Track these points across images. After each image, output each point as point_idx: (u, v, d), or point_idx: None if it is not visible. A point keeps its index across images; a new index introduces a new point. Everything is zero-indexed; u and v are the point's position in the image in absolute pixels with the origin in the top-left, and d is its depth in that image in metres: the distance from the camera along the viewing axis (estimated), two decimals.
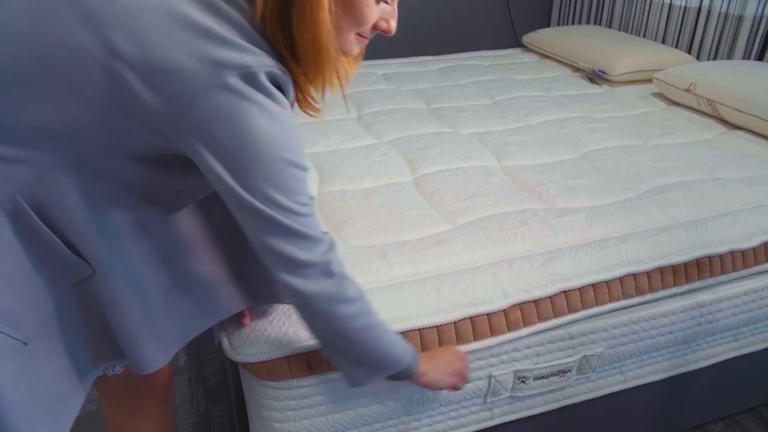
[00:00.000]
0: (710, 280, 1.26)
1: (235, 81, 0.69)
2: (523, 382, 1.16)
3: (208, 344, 1.88)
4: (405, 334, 1.03)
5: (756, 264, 1.30)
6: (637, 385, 1.32)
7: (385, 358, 0.87)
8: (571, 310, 1.14)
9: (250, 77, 0.70)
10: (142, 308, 0.81)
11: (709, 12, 2.40)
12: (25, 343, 0.74)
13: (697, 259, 1.24)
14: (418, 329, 1.04)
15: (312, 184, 1.51)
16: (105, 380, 0.96)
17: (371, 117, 1.98)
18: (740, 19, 2.27)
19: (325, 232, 0.80)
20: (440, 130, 1.87)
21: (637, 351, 1.25)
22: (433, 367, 0.97)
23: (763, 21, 2.18)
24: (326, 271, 0.79)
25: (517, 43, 3.50)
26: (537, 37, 2.88)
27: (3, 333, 0.71)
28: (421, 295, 1.07)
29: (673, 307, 1.24)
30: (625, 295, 1.18)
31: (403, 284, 1.09)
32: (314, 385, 1.01)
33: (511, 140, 1.77)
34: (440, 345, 1.05)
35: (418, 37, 3.27)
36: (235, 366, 1.31)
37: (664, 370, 1.33)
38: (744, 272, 1.29)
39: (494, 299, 1.09)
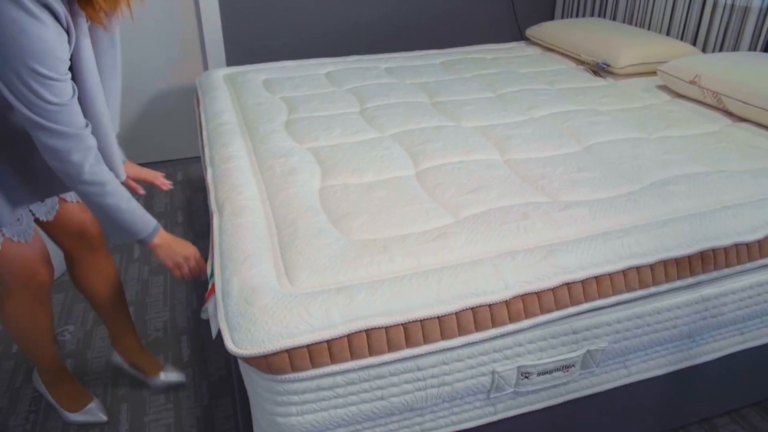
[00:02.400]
0: (714, 273, 1.25)
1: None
2: (526, 377, 1.15)
3: (211, 339, 1.88)
4: (406, 325, 1.03)
5: (761, 257, 1.29)
6: (641, 380, 1.32)
7: (125, 229, 1.19)
8: (573, 303, 1.13)
9: None
10: None
11: (714, 3, 2.38)
12: None
13: (701, 252, 1.23)
14: (420, 320, 1.04)
15: (314, 177, 1.51)
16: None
17: (374, 111, 1.97)
18: (746, 10, 2.25)
19: (84, 126, 1.07)
20: (443, 123, 1.86)
21: (641, 345, 1.24)
22: (166, 247, 1.27)
23: None
24: (68, 157, 1.06)
25: (520, 36, 3.48)
26: (540, 30, 2.86)
27: None
28: (423, 286, 1.06)
29: (677, 301, 1.23)
30: (629, 288, 1.17)
31: (405, 277, 1.09)
32: (316, 379, 1.01)
33: (515, 133, 1.76)
34: (442, 336, 1.05)
35: (421, 30, 3.25)
36: (237, 360, 1.31)
37: (668, 364, 1.32)
38: (749, 265, 1.28)
39: (496, 290, 1.08)
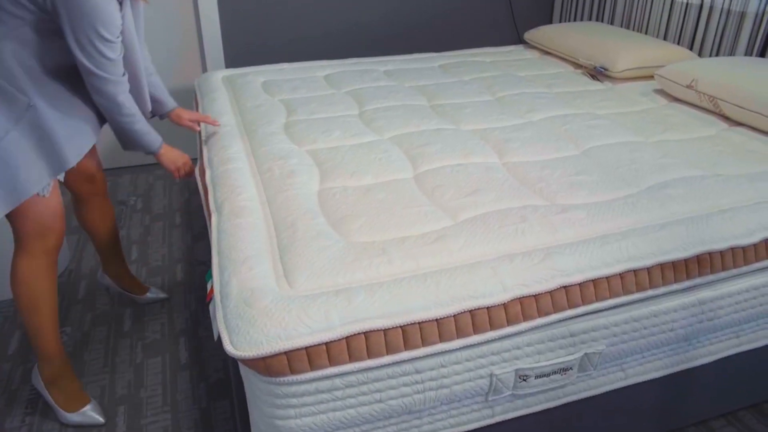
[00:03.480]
0: (711, 277, 1.25)
1: None
2: (524, 380, 1.16)
3: (210, 341, 1.88)
4: (404, 327, 1.03)
5: (757, 260, 1.30)
6: (639, 383, 1.32)
7: (143, 146, 1.54)
8: (570, 306, 1.13)
9: None
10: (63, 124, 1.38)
11: (711, 8, 2.40)
12: None
13: (697, 255, 1.24)
14: (418, 323, 1.04)
15: (313, 179, 1.51)
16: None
17: (373, 113, 1.98)
18: (742, 15, 2.26)
19: (123, 74, 1.38)
20: (442, 126, 1.87)
21: (638, 348, 1.25)
22: (169, 155, 1.62)
23: (766, 17, 2.17)
24: (114, 98, 1.39)
25: (518, 40, 3.49)
26: (539, 34, 2.87)
27: None
28: (421, 289, 1.07)
29: (674, 304, 1.23)
30: (626, 291, 1.18)
31: (403, 279, 1.09)
32: (315, 381, 1.01)
33: (513, 137, 1.77)
34: (440, 339, 1.05)
35: (420, 33, 3.26)
36: (236, 362, 1.31)
37: (665, 367, 1.33)
38: (745, 269, 1.29)
39: (494, 293, 1.09)
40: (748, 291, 1.31)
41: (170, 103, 1.74)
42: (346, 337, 1.01)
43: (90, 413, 1.58)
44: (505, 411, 1.21)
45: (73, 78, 1.40)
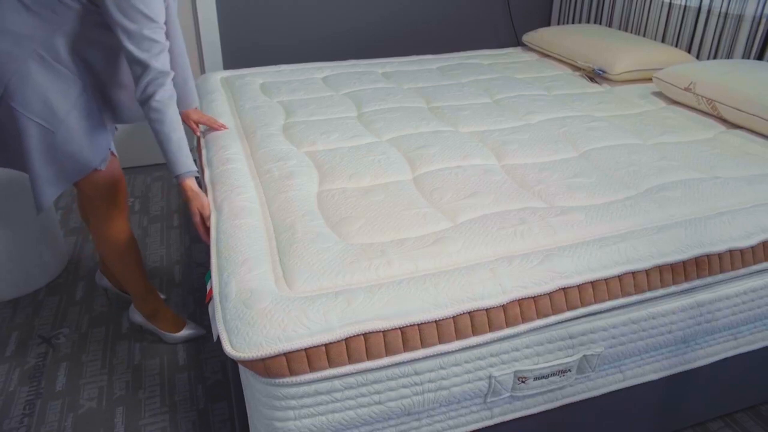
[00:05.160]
0: (709, 279, 1.26)
1: None
2: (523, 382, 1.16)
3: (208, 342, 1.88)
4: (404, 329, 1.03)
5: (755, 263, 1.30)
6: (637, 384, 1.33)
7: (169, 159, 1.42)
8: (569, 308, 1.14)
9: None
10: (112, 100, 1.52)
11: (709, 11, 2.40)
12: (53, 132, 1.39)
13: (696, 258, 1.24)
14: (417, 324, 1.04)
15: (312, 181, 1.51)
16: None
17: (371, 115, 1.98)
18: (740, 18, 2.27)
19: (167, 71, 1.37)
20: (440, 128, 1.87)
21: (636, 350, 1.25)
22: (195, 195, 1.45)
23: (763, 20, 2.18)
24: (148, 88, 1.36)
25: (517, 42, 3.50)
26: (537, 36, 2.88)
27: (42, 125, 1.37)
28: (420, 291, 1.07)
29: (672, 306, 1.24)
30: (624, 293, 1.18)
31: (402, 281, 1.09)
32: (314, 383, 1.01)
33: (511, 139, 1.77)
34: (440, 340, 1.05)
35: (418, 35, 3.27)
36: (235, 364, 1.31)
37: (663, 368, 1.33)
38: (743, 271, 1.29)
39: (493, 295, 1.09)
40: (746, 293, 1.31)
41: (186, 102, 1.77)
42: (346, 339, 1.01)
43: (191, 329, 1.87)
44: (504, 412, 1.21)
45: (116, 68, 1.49)
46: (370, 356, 1.02)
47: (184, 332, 1.86)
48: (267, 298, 1.04)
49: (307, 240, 1.22)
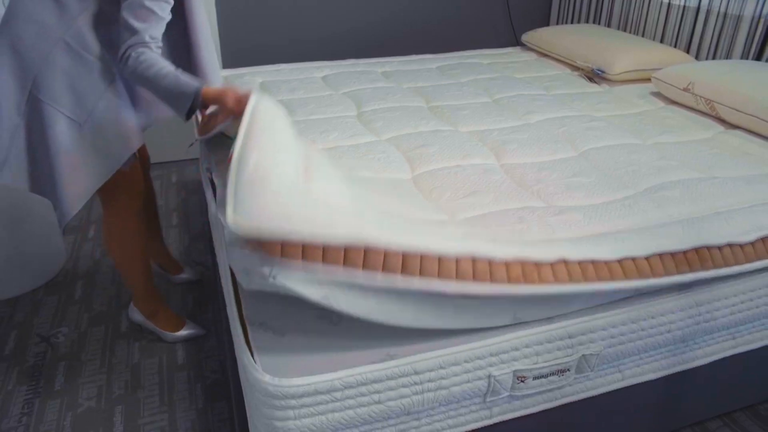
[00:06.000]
0: (712, 272, 1.24)
1: None
2: (522, 381, 1.16)
3: (207, 341, 1.88)
4: (406, 255, 1.01)
5: (756, 257, 1.29)
6: (636, 384, 1.33)
7: (174, 93, 1.28)
8: (572, 281, 1.11)
9: None
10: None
11: (708, 11, 2.41)
12: (80, 124, 1.35)
13: (696, 248, 1.23)
14: (420, 254, 1.02)
15: None
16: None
17: (371, 114, 1.98)
18: (739, 18, 2.27)
19: (155, 44, 1.29)
20: (440, 128, 1.87)
21: (635, 350, 1.25)
22: (220, 92, 1.29)
23: (762, 21, 2.19)
24: (129, 52, 1.28)
25: (516, 42, 3.50)
26: (536, 36, 2.88)
27: (69, 118, 1.33)
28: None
29: (671, 305, 1.24)
30: (627, 276, 1.15)
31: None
32: (315, 383, 1.01)
33: (511, 138, 1.78)
34: (438, 275, 1.03)
35: (417, 35, 3.27)
36: (234, 363, 1.31)
37: (662, 368, 1.34)
38: (745, 266, 1.28)
39: (496, 253, 1.08)
40: (744, 293, 1.32)
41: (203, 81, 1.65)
42: (346, 247, 0.98)
43: (190, 329, 1.86)
44: (503, 412, 1.21)
45: None
46: (365, 266, 0.99)
47: (184, 332, 1.86)
48: (284, 183, 1.01)
49: None
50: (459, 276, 1.05)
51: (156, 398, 1.67)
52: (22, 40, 1.29)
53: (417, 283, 1.02)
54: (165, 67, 1.28)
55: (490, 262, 1.07)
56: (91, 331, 1.94)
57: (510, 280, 1.08)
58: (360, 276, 1.00)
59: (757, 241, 1.30)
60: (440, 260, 1.04)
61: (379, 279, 1.01)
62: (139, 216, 1.64)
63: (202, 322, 1.97)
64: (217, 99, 1.29)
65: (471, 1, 3.29)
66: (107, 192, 1.55)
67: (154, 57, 1.28)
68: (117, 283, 2.18)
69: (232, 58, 3.01)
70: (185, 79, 1.29)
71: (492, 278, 1.07)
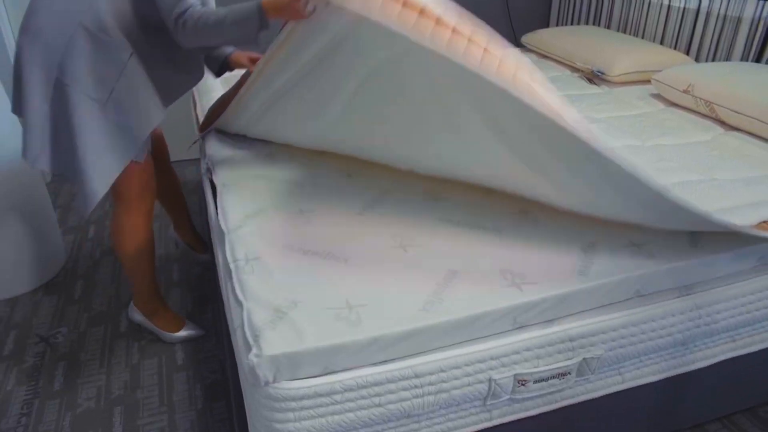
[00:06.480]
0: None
1: None
2: (523, 384, 1.16)
3: (207, 342, 1.87)
4: None
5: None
6: (636, 386, 1.33)
7: (244, 22, 1.30)
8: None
9: None
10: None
11: (708, 13, 2.41)
12: (103, 104, 1.39)
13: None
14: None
15: None
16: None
17: None
18: (739, 20, 2.27)
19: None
20: None
21: (636, 353, 1.25)
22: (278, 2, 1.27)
23: (762, 22, 2.19)
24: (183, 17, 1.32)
25: (516, 43, 3.50)
26: (536, 37, 2.88)
27: (92, 98, 1.37)
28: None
29: (671, 308, 1.24)
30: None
31: None
32: (315, 385, 1.01)
33: None
34: None
35: None
36: (234, 364, 1.31)
37: (662, 371, 1.34)
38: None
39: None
40: (744, 296, 1.32)
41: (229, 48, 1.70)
42: None
43: (190, 330, 1.87)
44: (503, 415, 1.21)
45: (162, 39, 1.44)
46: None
47: (183, 332, 1.86)
48: None
49: None
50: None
51: (155, 399, 1.67)
52: (45, 32, 1.34)
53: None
54: (218, 9, 1.32)
55: None
56: (91, 331, 1.94)
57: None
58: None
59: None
60: None
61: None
62: (149, 215, 1.66)
63: (201, 322, 1.96)
64: (278, 6, 1.27)
65: (471, 2, 3.28)
66: (120, 187, 1.56)
67: (206, 9, 1.32)
68: (116, 284, 2.18)
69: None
70: (240, 6, 1.31)
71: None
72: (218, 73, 1.71)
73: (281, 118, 1.57)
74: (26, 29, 1.36)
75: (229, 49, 1.68)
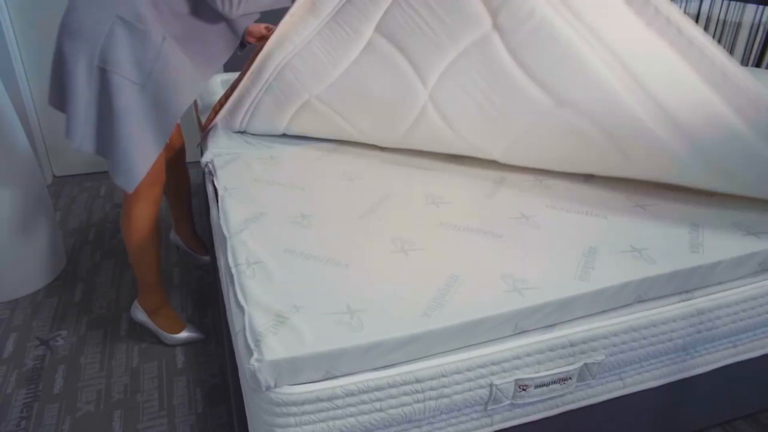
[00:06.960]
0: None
1: None
2: (524, 390, 1.16)
3: (207, 346, 1.87)
4: None
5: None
6: (637, 391, 1.33)
7: None
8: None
9: None
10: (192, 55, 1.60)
11: (708, 18, 2.41)
12: (143, 86, 1.47)
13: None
14: None
15: None
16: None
17: None
18: (738, 25, 2.28)
19: None
20: None
21: (637, 358, 1.25)
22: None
23: (761, 27, 2.19)
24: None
25: None
26: None
27: (133, 82, 1.45)
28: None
29: (673, 314, 1.24)
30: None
31: None
32: (316, 390, 1.01)
33: None
34: None
35: None
36: (234, 368, 1.31)
37: (662, 376, 1.33)
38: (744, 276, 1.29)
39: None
40: (745, 301, 1.32)
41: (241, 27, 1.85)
42: None
43: (190, 332, 1.87)
44: (504, 420, 1.21)
45: (193, 25, 1.57)
46: None
47: (184, 334, 1.86)
48: None
49: None
50: None
51: (155, 402, 1.67)
52: (84, 25, 1.42)
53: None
54: None
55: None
56: (91, 334, 1.93)
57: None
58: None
59: None
60: None
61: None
62: (156, 203, 1.69)
63: (201, 325, 1.96)
64: None
65: None
66: None
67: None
68: (117, 287, 2.18)
69: (232, 61, 3.01)
70: None
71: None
72: (241, 46, 1.86)
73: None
74: (66, 26, 1.43)
75: (246, 22, 1.82)
